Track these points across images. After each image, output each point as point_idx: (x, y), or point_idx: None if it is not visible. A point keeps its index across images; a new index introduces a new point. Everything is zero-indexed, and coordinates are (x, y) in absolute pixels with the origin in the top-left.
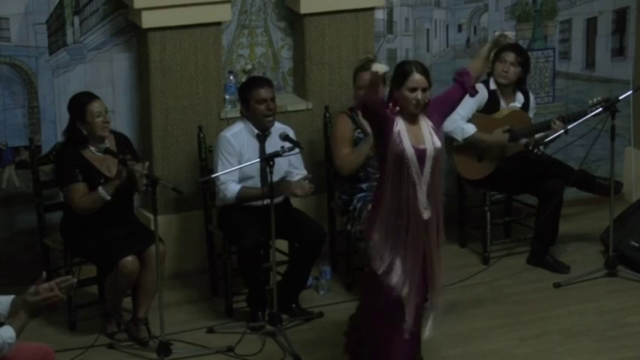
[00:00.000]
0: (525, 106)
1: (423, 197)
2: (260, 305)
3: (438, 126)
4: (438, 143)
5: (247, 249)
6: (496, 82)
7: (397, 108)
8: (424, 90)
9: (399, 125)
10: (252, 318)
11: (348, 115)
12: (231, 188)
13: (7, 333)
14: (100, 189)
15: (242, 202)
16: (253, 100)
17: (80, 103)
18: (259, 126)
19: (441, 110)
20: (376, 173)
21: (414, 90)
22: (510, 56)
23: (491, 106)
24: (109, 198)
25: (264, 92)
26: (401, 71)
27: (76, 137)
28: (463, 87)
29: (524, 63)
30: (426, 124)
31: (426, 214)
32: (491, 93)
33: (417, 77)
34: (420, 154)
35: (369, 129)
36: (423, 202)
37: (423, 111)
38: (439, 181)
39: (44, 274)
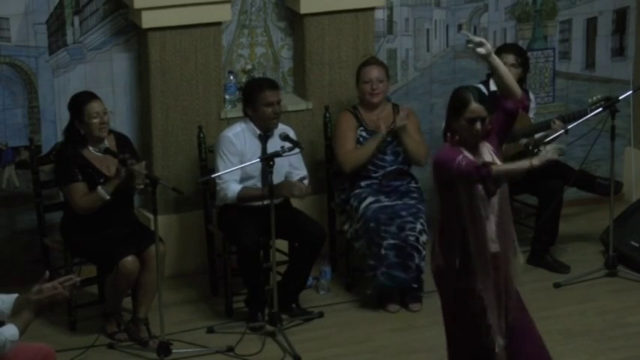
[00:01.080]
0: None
1: (491, 229)
2: (259, 305)
3: (498, 150)
4: None
5: (247, 249)
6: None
7: (456, 137)
8: (483, 120)
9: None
10: (251, 318)
11: (352, 113)
12: (232, 188)
13: (10, 331)
14: (100, 188)
15: (243, 203)
16: (260, 103)
17: (78, 103)
18: (263, 127)
19: (499, 134)
20: (376, 172)
21: (472, 121)
22: (510, 58)
23: (492, 106)
24: (108, 197)
25: (271, 95)
26: (458, 100)
27: (75, 137)
28: (504, 109)
29: (523, 63)
30: (487, 150)
31: (493, 247)
32: (491, 94)
33: (474, 107)
34: None
35: (383, 127)
36: (490, 235)
37: (484, 137)
38: (509, 211)
39: (47, 273)
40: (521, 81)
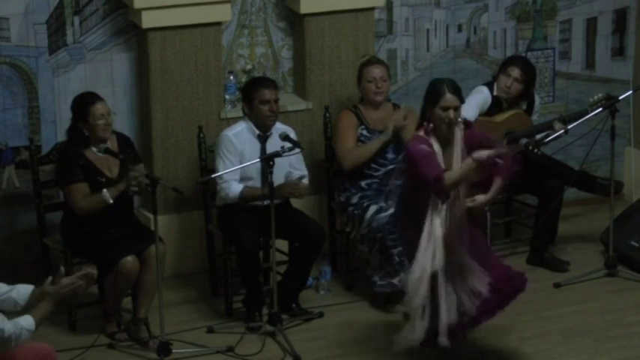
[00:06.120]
0: (529, 109)
1: (439, 215)
2: (257, 306)
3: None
4: None
5: (246, 249)
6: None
7: (431, 125)
8: (456, 109)
9: (435, 147)
10: (248, 318)
11: (353, 112)
12: (233, 188)
13: (27, 322)
14: (105, 191)
15: (244, 202)
16: (257, 101)
17: (83, 104)
18: (261, 126)
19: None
20: (378, 170)
21: (446, 109)
22: (515, 72)
23: (494, 109)
24: (111, 202)
25: (268, 93)
26: (434, 91)
27: (78, 137)
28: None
29: (528, 81)
30: (459, 150)
31: (439, 232)
32: (494, 97)
33: (448, 97)
34: None
35: (390, 128)
36: (441, 220)
37: (462, 133)
38: (464, 203)
39: (62, 268)
40: (522, 96)
